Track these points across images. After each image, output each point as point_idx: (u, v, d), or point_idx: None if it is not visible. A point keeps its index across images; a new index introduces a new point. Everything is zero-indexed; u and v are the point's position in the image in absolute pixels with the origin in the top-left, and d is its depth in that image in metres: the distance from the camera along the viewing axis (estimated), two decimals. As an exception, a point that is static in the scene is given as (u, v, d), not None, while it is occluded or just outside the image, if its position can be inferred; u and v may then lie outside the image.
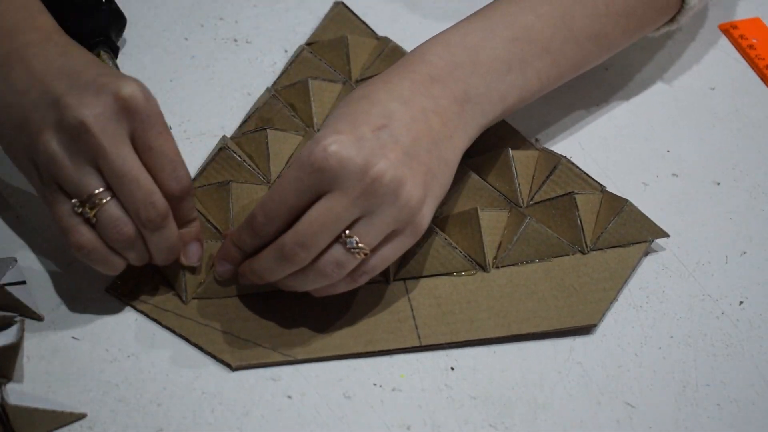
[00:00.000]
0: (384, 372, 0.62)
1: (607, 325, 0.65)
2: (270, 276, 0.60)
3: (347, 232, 0.58)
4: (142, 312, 0.63)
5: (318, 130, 0.72)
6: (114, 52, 0.74)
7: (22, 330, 0.61)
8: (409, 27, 0.82)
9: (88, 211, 0.57)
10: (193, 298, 0.64)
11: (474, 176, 0.69)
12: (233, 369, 0.62)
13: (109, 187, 0.57)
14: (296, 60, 0.77)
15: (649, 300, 0.66)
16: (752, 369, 0.63)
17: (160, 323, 0.63)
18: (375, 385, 0.61)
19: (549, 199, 0.69)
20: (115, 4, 0.77)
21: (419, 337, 0.63)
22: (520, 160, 0.70)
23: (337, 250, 0.58)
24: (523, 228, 0.66)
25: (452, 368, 0.62)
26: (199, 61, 0.79)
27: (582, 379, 0.62)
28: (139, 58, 0.78)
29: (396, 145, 0.58)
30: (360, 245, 0.58)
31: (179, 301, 0.64)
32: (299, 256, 0.58)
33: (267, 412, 0.60)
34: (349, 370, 0.62)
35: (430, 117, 0.60)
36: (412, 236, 0.59)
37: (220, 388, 0.61)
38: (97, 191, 0.57)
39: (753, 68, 0.79)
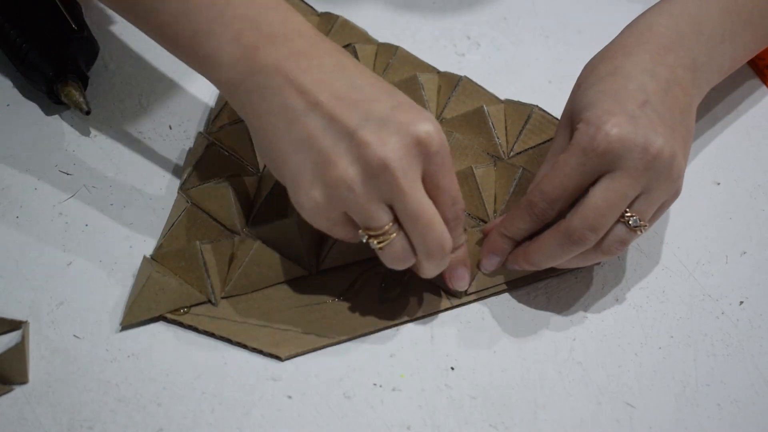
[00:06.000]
0: (384, 372, 0.62)
1: (607, 325, 0.65)
2: (550, 261, 0.62)
3: (628, 211, 0.60)
4: (174, 322, 0.63)
5: None
6: (83, 82, 0.73)
7: (25, 333, 0.61)
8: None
9: (375, 242, 0.58)
10: (222, 298, 0.64)
11: (457, 136, 0.71)
12: (283, 360, 0.62)
13: (396, 221, 0.58)
14: None
15: (649, 300, 0.66)
16: (752, 369, 0.63)
17: (196, 329, 0.63)
18: (375, 385, 0.61)
19: (531, 147, 0.71)
20: (89, 32, 0.75)
21: (449, 299, 0.65)
22: (492, 114, 0.72)
23: (621, 230, 0.60)
24: (518, 178, 0.69)
25: (452, 368, 0.62)
26: (199, 61, 0.78)
27: (582, 379, 0.62)
28: (140, 57, 0.78)
29: (661, 120, 0.60)
30: (641, 222, 0.60)
31: (209, 304, 0.64)
32: (588, 239, 0.60)
33: (267, 412, 0.60)
34: (349, 370, 0.62)
35: (673, 88, 0.62)
36: (672, 201, 0.62)
37: (220, 388, 0.61)
38: (387, 226, 0.57)
39: (753, 68, 0.79)
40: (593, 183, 0.60)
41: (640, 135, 0.58)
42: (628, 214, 0.60)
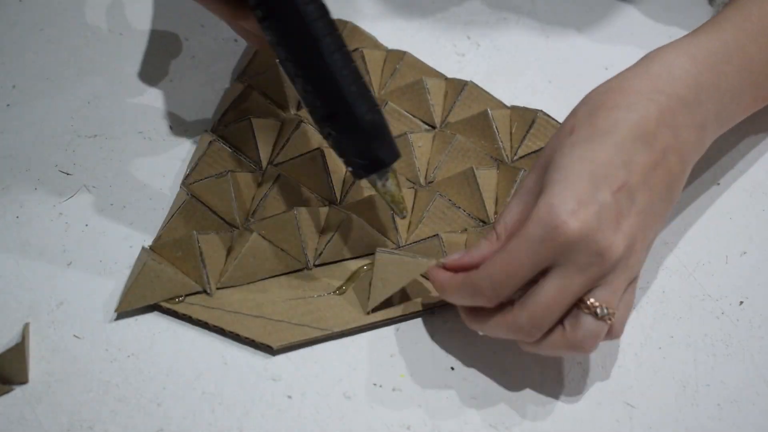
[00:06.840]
0: (384, 372, 0.62)
1: (607, 325, 0.65)
2: (504, 337, 0.59)
3: (591, 300, 0.56)
4: (169, 310, 0.64)
5: (294, 113, 0.73)
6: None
7: (25, 333, 0.61)
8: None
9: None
10: (218, 288, 0.64)
11: (460, 138, 0.71)
12: (274, 351, 0.62)
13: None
14: (258, 50, 0.77)
15: (649, 300, 0.66)
16: (752, 369, 0.63)
17: (190, 318, 0.63)
18: (375, 385, 0.61)
19: (534, 152, 0.71)
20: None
21: None
22: (497, 118, 0.72)
23: (589, 322, 0.56)
24: (519, 181, 0.69)
25: (452, 368, 0.62)
26: (199, 61, 0.79)
27: (582, 379, 0.62)
28: (139, 58, 0.78)
29: (632, 208, 0.56)
30: (609, 310, 0.56)
31: (204, 294, 0.64)
32: (533, 335, 0.57)
33: (267, 412, 0.60)
34: (349, 370, 0.62)
35: (669, 158, 0.58)
36: (636, 282, 0.59)
37: (220, 388, 0.61)
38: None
39: (753, 68, 0.79)
40: (544, 271, 0.56)
41: (600, 236, 0.54)
42: (595, 304, 0.56)
